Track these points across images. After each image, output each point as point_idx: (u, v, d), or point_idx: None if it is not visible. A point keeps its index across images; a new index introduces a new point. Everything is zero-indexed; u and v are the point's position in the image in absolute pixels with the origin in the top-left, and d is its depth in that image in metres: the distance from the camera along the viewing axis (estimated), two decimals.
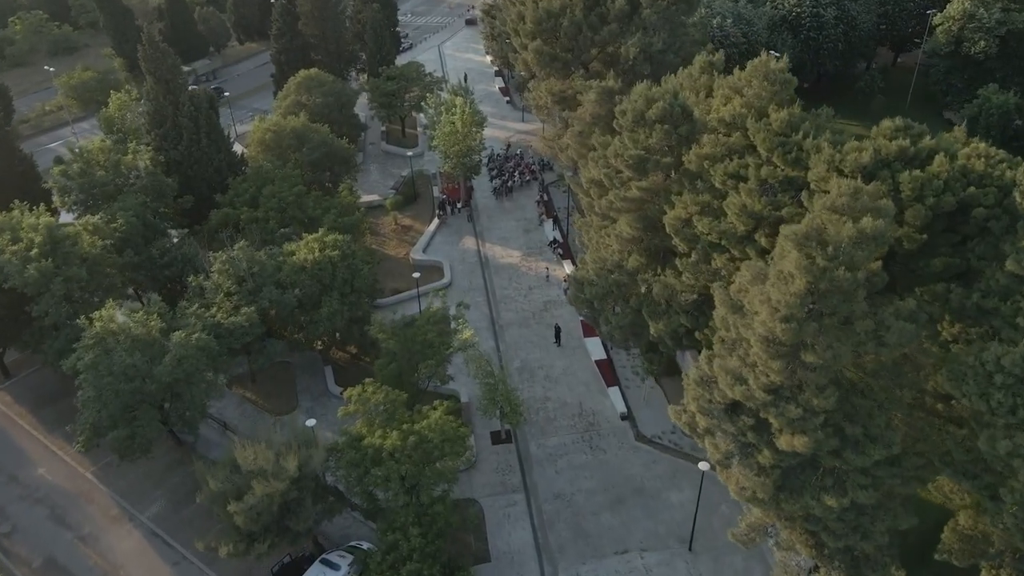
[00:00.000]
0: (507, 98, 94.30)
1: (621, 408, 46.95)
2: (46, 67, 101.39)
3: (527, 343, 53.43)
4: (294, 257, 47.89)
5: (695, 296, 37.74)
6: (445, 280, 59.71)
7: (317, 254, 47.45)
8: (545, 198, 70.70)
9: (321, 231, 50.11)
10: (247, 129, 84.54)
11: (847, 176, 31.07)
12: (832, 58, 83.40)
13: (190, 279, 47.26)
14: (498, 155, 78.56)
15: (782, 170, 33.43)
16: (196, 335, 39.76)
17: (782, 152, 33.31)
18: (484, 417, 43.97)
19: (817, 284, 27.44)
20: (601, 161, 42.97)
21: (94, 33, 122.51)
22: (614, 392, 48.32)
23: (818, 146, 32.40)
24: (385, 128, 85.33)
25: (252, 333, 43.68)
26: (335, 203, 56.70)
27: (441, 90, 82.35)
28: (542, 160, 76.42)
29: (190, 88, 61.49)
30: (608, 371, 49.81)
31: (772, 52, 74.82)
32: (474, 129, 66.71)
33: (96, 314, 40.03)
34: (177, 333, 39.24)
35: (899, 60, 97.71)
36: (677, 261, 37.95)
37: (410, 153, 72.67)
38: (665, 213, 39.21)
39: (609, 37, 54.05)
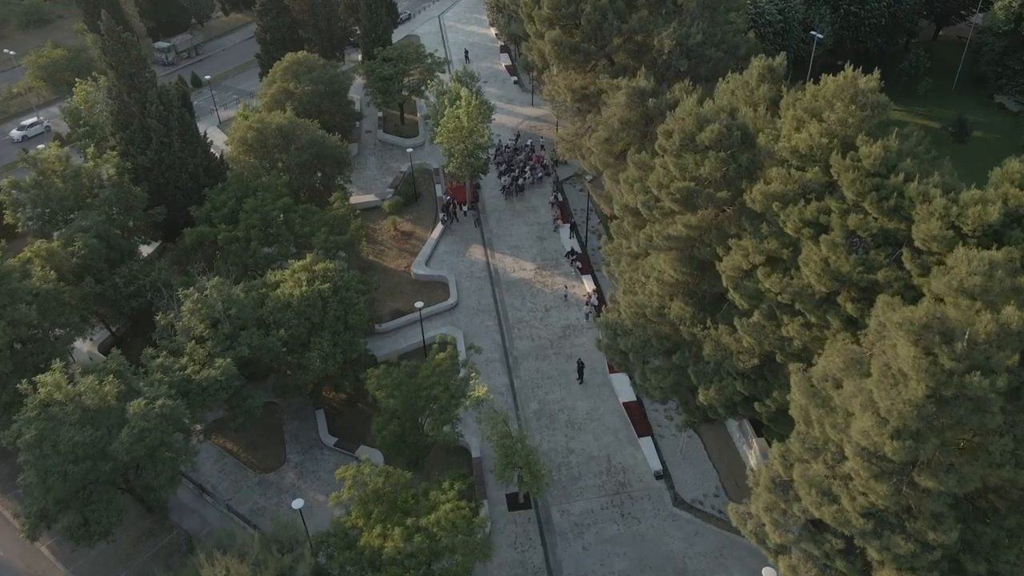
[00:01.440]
0: (514, 78, 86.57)
1: (655, 465, 40.94)
2: (6, 51, 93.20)
3: (545, 380, 47.20)
4: (279, 291, 41.44)
5: (756, 361, 31.42)
6: (451, 300, 53.25)
7: (305, 288, 40.98)
8: (559, 198, 63.82)
9: (309, 257, 43.56)
10: (231, 115, 77.43)
11: (967, 235, 24.50)
12: (874, 34, 75.67)
13: (158, 317, 40.92)
14: (506, 147, 71.37)
15: (876, 220, 26.81)
16: (160, 402, 33.48)
17: (876, 198, 26.65)
18: (500, 483, 38.01)
19: (940, 390, 21.13)
20: (637, 186, 36.23)
21: (68, 2, 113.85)
22: (646, 444, 42.26)
23: (926, 193, 25.73)
24: (382, 114, 77.89)
25: (229, 388, 37.43)
26: (326, 217, 49.94)
27: (443, 72, 75.03)
28: (555, 151, 69.30)
29: (161, 81, 54.27)
30: (639, 416, 43.69)
31: (814, 32, 67.83)
32: (481, 124, 59.65)
33: (40, 378, 33.71)
34: (136, 403, 32.93)
35: (940, 33, 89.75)
36: (735, 319, 31.50)
37: (410, 149, 65.54)
38: (718, 256, 32.66)
39: (639, 26, 46.75)
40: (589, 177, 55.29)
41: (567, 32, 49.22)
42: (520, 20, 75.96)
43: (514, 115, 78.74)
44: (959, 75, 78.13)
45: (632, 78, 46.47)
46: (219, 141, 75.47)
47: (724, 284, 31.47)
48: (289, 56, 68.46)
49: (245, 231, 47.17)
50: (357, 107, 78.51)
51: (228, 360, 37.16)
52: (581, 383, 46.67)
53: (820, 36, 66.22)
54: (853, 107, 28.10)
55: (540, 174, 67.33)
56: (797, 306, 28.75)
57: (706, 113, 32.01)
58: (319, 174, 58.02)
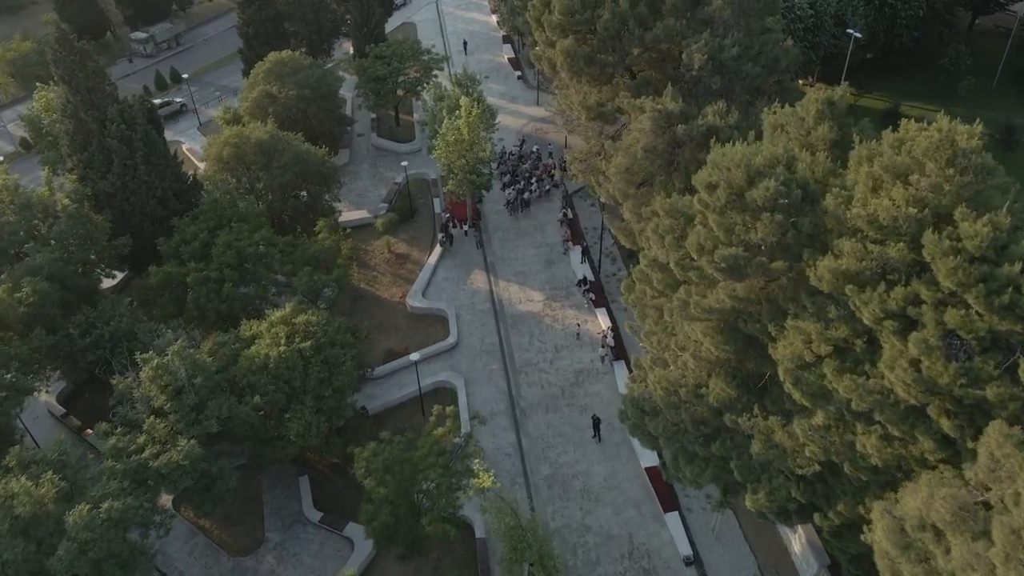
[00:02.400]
0: (518, 73, 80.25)
1: (685, 548, 35.96)
2: None
3: (557, 437, 42.07)
4: (253, 348, 36.13)
5: (818, 467, 26.18)
6: (451, 339, 47.89)
7: (283, 347, 35.66)
8: (569, 215, 58.17)
9: (290, 307, 38.19)
10: (214, 115, 71.59)
11: None
12: (910, 27, 69.40)
13: (115, 381, 35.67)
14: (511, 154, 65.53)
15: (983, 319, 21.39)
16: (107, 505, 28.31)
17: (984, 291, 21.22)
18: None
19: None
20: (669, 239, 30.69)
21: None
22: (673, 520, 37.27)
23: None
24: (376, 116, 71.82)
25: (193, 472, 32.27)
26: (310, 253, 44.39)
27: (441, 69, 68.92)
28: (563, 160, 63.49)
29: (134, 81, 48.38)
30: (663, 486, 38.59)
31: (851, 31, 61.68)
32: (484, 134, 53.88)
33: None
34: (77, 510, 27.71)
35: (976, 22, 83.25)
36: (795, 421, 26.19)
37: (404, 163, 59.67)
38: (770, 335, 27.28)
39: (664, 36, 40.79)
40: (601, 200, 49.63)
41: (581, 41, 43.28)
42: (524, 12, 69.96)
43: (518, 116, 72.71)
44: (1000, 71, 72.00)
45: (656, 96, 40.84)
46: (199, 147, 69.75)
47: (780, 375, 26.11)
48: (272, 56, 62.39)
49: (218, 270, 41.70)
50: (348, 108, 72.65)
51: (192, 442, 31.92)
52: (599, 441, 41.54)
53: (858, 35, 60.11)
54: (951, 170, 22.52)
55: (547, 186, 61.61)
56: (877, 417, 23.44)
57: (758, 164, 26.41)
58: (304, 193, 52.34)
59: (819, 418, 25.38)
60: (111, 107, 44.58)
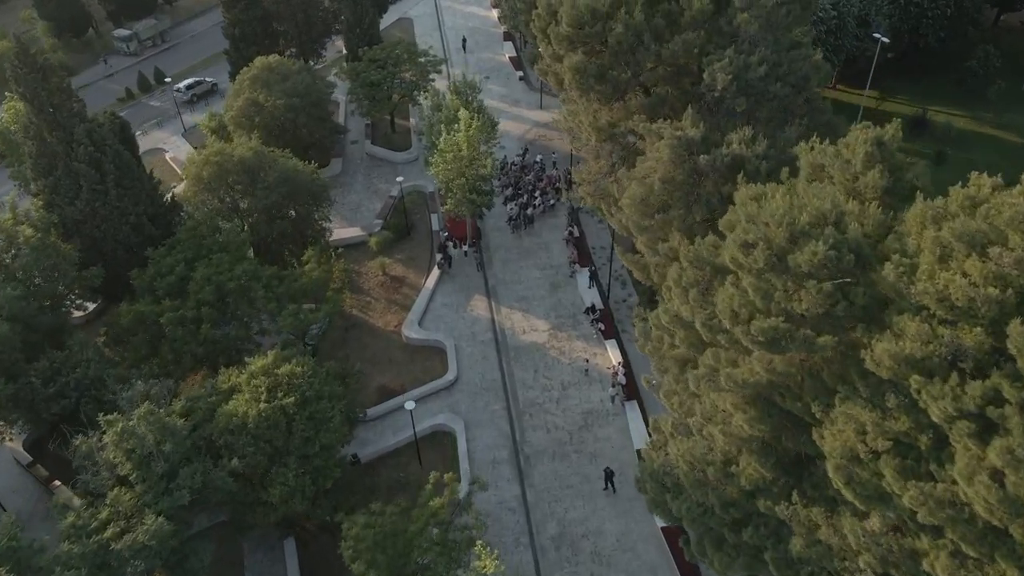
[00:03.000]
0: (519, 73, 76.25)
1: None
2: None
3: (565, 489, 38.75)
4: (232, 404, 32.72)
5: (872, 574, 22.80)
6: (449, 375, 44.46)
7: (263, 404, 32.25)
8: (575, 233, 54.53)
9: (272, 355, 34.76)
10: (198, 119, 67.87)
11: None
12: (936, 27, 65.38)
13: (78, 442, 32.30)
14: (512, 164, 61.80)
15: None
16: None
17: None
18: None
19: None
20: (694, 294, 27.19)
21: None
22: None
23: None
24: (370, 122, 67.93)
25: (162, 552, 28.96)
26: (297, 286, 40.85)
27: (439, 72, 65.04)
28: (568, 172, 59.84)
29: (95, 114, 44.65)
30: (681, 550, 35.28)
31: (878, 35, 57.72)
32: (484, 148, 50.20)
33: None
34: None
35: (1002, 19, 79.10)
36: (846, 522, 22.79)
37: (399, 179, 55.89)
38: (813, 416, 23.84)
39: (683, 51, 36.98)
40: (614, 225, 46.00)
41: (591, 54, 39.45)
42: (525, 14, 65.95)
43: (520, 120, 68.87)
44: None
45: (674, 120, 37.16)
46: (183, 156, 66.00)
47: (829, 469, 22.70)
48: (259, 61, 58.54)
49: (195, 308, 38.18)
50: (341, 114, 68.88)
51: (160, 520, 28.57)
52: (612, 492, 38.24)
53: (885, 40, 56.19)
54: None
55: (552, 200, 57.92)
56: (949, 534, 20.07)
57: (802, 224, 22.83)
58: (292, 213, 48.70)
59: (875, 522, 21.99)
60: (78, 127, 40.91)
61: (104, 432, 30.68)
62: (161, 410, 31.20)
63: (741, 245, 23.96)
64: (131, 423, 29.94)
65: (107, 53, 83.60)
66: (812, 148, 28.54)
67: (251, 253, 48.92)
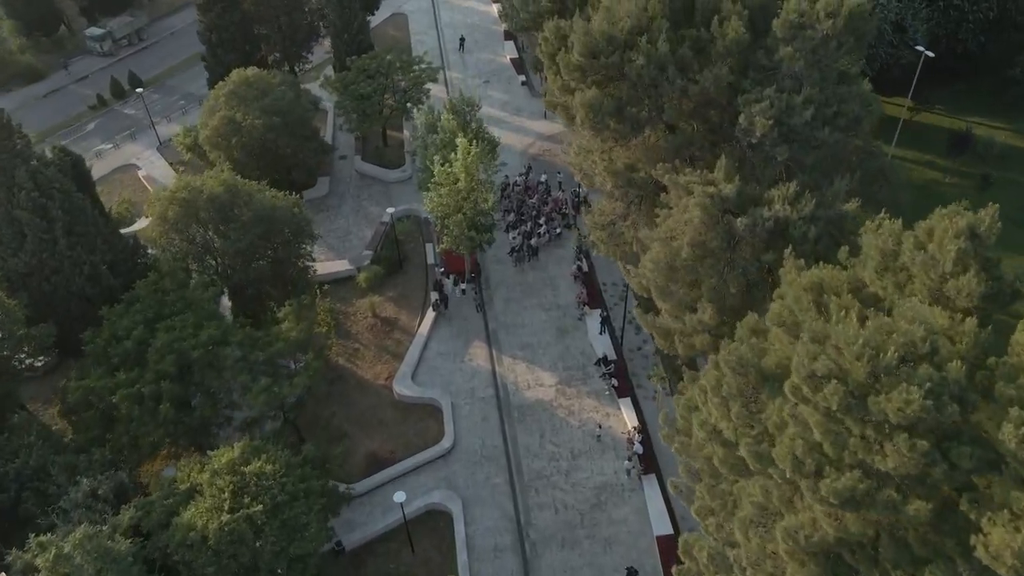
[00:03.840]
0: (522, 77, 70.72)
1: None
2: None
3: None
4: (189, 514, 28.08)
5: None
6: (445, 443, 39.75)
7: (227, 513, 27.62)
8: (584, 267, 49.54)
9: (239, 447, 30.09)
10: (175, 131, 62.65)
11: None
12: (976, 32, 59.90)
13: (11, 557, 27.71)
14: (515, 184, 56.68)
15: None
16: None
17: None
18: None
19: None
20: (736, 408, 22.43)
21: None
22: None
23: None
24: (360, 135, 62.57)
25: None
26: (273, 350, 35.98)
27: (435, 80, 59.65)
28: (577, 192, 54.76)
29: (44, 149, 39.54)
30: None
31: (921, 48, 52.24)
32: (485, 176, 45.14)
33: None
34: None
35: None
36: None
37: (390, 210, 50.68)
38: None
39: (714, 87, 31.78)
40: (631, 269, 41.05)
41: (606, 85, 34.26)
42: (523, 8, 60.54)
43: (523, 132, 63.57)
44: None
45: (702, 162, 32.21)
46: (158, 173, 60.94)
47: None
48: (236, 75, 53.17)
49: (154, 382, 33.37)
50: (328, 127, 63.59)
51: None
52: None
53: (930, 53, 50.78)
54: None
55: (558, 228, 52.86)
56: None
57: (888, 359, 17.94)
58: (269, 252, 43.70)
59: None
60: (20, 169, 35.81)
61: (37, 557, 26.07)
62: (105, 528, 26.54)
63: (807, 377, 19.11)
64: (66, 549, 25.28)
65: (70, 57, 77.31)
66: (879, 227, 23.64)
67: (226, 299, 44.26)
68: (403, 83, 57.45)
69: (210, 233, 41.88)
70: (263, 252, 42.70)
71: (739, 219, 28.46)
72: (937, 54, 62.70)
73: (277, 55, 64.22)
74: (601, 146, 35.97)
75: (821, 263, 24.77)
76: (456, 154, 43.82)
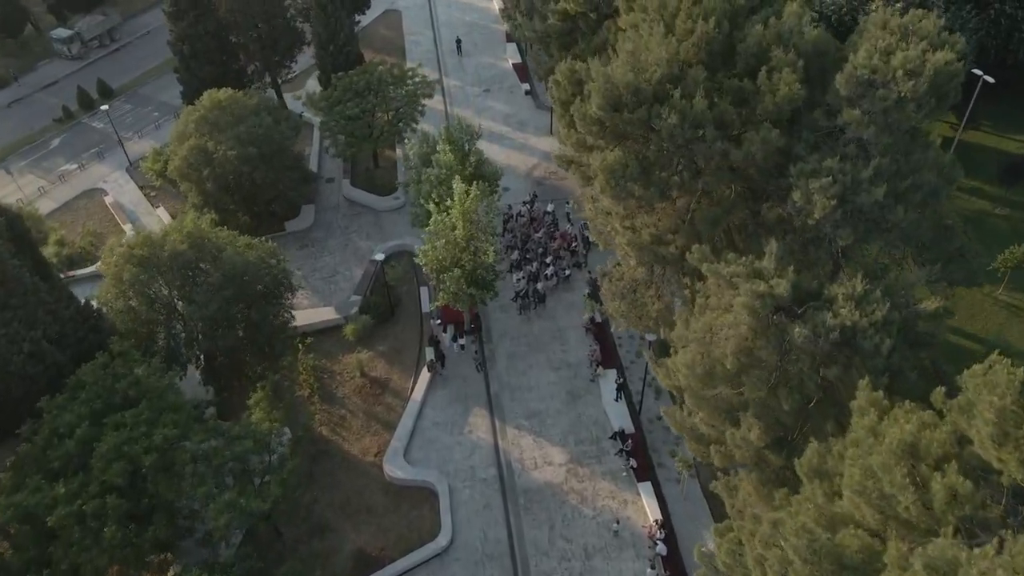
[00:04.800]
0: (525, 86, 64.96)
1: None
2: None
3: None
4: None
5: None
6: (441, 540, 34.92)
7: None
8: (596, 318, 44.35)
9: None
10: (147, 149, 57.40)
11: None
12: None
13: None
14: (518, 215, 51.33)
15: None
16: None
17: None
18: None
19: None
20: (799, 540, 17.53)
21: None
22: None
23: None
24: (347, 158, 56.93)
25: None
26: (240, 451, 30.94)
27: (430, 96, 54.04)
28: (586, 226, 49.27)
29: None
30: None
31: (977, 71, 46.58)
32: (486, 218, 39.88)
33: None
34: None
35: None
36: None
37: (380, 256, 45.22)
38: None
39: (761, 152, 26.40)
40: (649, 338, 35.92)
41: (630, 142, 28.88)
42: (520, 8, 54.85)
43: (527, 151, 58.06)
44: None
45: (746, 246, 27.06)
46: (127, 199, 55.66)
47: None
48: (207, 98, 47.65)
49: (99, 495, 28.45)
50: (314, 146, 58.09)
51: None
52: None
53: (989, 79, 45.19)
54: None
55: (567, 268, 47.62)
56: None
57: None
58: (242, 316, 38.51)
59: None
60: None
61: None
62: None
63: None
64: None
65: (14, 72, 70.93)
66: (990, 372, 18.59)
67: (197, 372, 39.24)
68: (396, 101, 51.87)
69: (174, 296, 36.75)
70: (235, 316, 37.52)
71: (796, 328, 23.31)
72: (985, 66, 57.09)
73: (257, 65, 58.42)
74: (622, 212, 30.62)
75: (909, 407, 19.90)
76: (453, 199, 38.56)
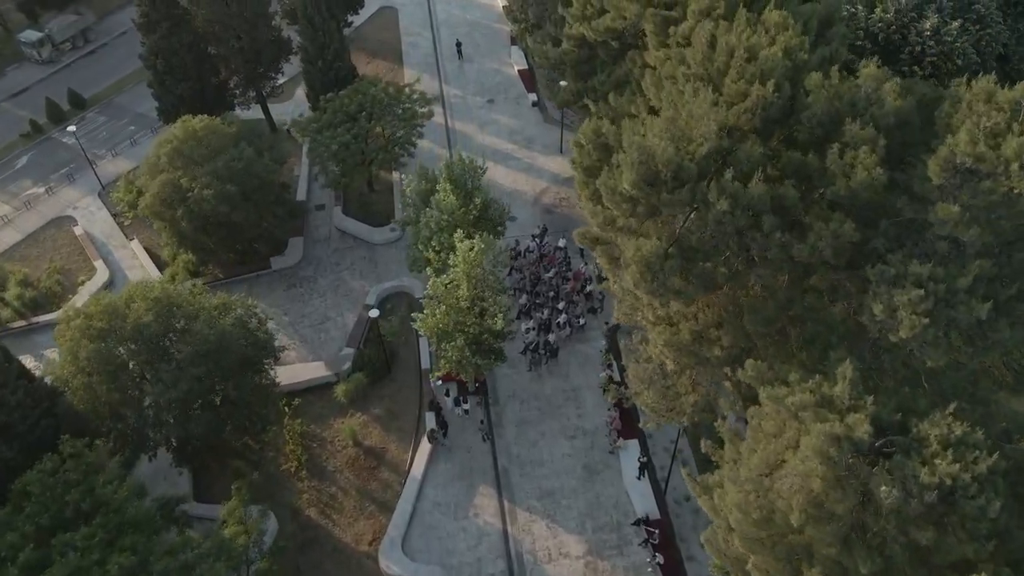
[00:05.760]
0: (532, 96, 59.85)
1: None
2: None
3: None
4: None
5: None
6: None
7: None
8: (614, 377, 39.94)
9: None
10: (120, 169, 52.86)
11: None
12: None
13: None
14: (527, 251, 46.66)
15: None
16: None
17: None
18: None
19: None
20: None
21: None
22: None
23: None
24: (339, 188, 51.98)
25: None
26: (210, 571, 26.68)
27: (429, 116, 49.10)
28: (601, 271, 44.59)
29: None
30: None
31: None
32: (494, 275, 35.33)
33: None
34: None
35: None
36: None
37: (375, 312, 40.37)
38: None
39: (831, 247, 21.71)
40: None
41: (668, 223, 24.22)
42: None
43: (535, 172, 53.21)
44: None
45: (821, 376, 22.59)
46: (99, 229, 51.06)
47: None
48: (180, 128, 42.85)
49: None
50: (303, 171, 53.24)
51: None
52: None
53: None
54: None
55: (581, 315, 43.06)
56: None
57: None
58: (216, 396, 33.96)
59: None
60: None
61: None
62: None
63: None
64: None
65: (7, 65, 66.13)
66: None
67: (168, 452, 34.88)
68: (392, 124, 46.93)
69: (138, 372, 32.31)
70: (209, 394, 33.08)
71: (882, 484, 18.91)
72: None
73: (240, 79, 53.24)
74: (658, 305, 26.03)
75: None
76: (455, 255, 33.99)
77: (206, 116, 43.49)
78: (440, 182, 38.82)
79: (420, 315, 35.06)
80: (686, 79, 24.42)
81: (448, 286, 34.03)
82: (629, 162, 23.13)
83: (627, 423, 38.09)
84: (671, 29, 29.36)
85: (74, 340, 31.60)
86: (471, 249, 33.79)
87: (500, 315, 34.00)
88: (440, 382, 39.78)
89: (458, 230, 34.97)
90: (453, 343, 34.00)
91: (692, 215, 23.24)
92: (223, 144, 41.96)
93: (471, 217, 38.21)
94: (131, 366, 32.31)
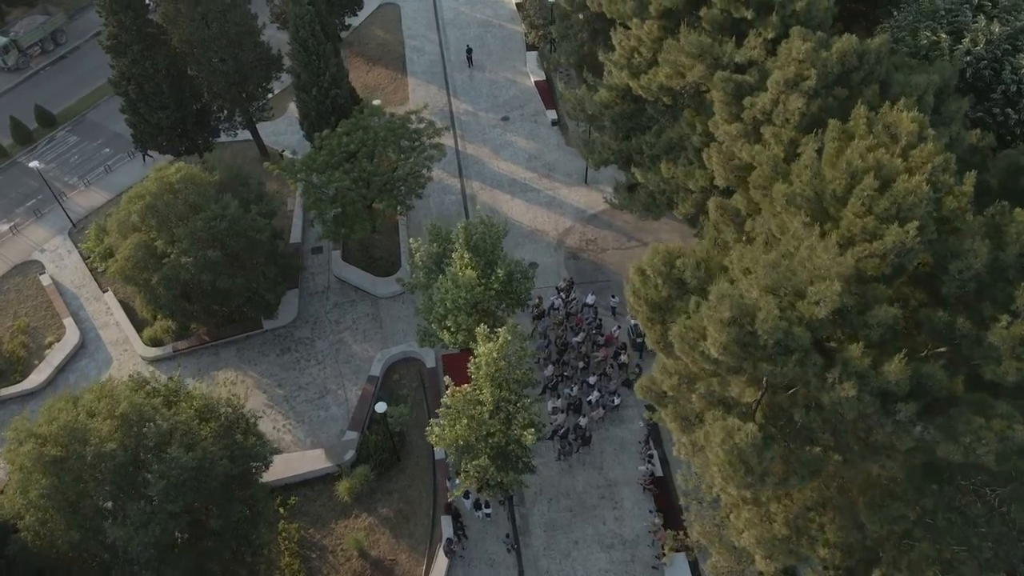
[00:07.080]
0: (551, 113, 53.68)
1: None
2: None
3: None
4: None
5: None
6: None
7: None
8: (656, 470, 34.88)
9: None
10: (94, 202, 47.47)
11: None
12: None
13: None
14: (553, 309, 41.18)
15: None
16: None
17: None
18: None
19: None
20: None
21: None
22: None
23: None
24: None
25: None
26: None
27: (441, 154, 43.11)
28: (637, 331, 39.00)
29: None
30: None
31: None
32: (522, 372, 30.03)
33: None
34: None
35: None
36: None
37: (381, 406, 34.84)
38: None
39: (995, 451, 16.50)
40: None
41: (759, 386, 18.96)
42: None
43: (556, 207, 47.40)
44: None
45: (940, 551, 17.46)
46: (68, 278, 45.57)
47: None
48: (154, 179, 36.96)
49: None
50: (296, 207, 47.55)
51: None
52: None
53: None
54: None
55: (617, 394, 37.73)
56: None
57: None
58: (196, 528, 28.86)
59: None
60: None
61: None
62: None
63: None
64: None
65: None
66: None
67: None
68: (399, 163, 41.13)
69: (103, 507, 27.21)
70: (186, 531, 27.98)
71: None
72: None
73: (224, 102, 47.10)
74: (749, 495, 20.73)
75: None
76: (478, 360, 28.67)
77: (183, 164, 37.57)
78: (457, 248, 33.32)
79: (436, 424, 29.78)
80: (787, 201, 18.81)
81: (468, 397, 28.74)
82: (717, 320, 17.71)
83: (672, 522, 33.07)
84: (746, 100, 23.68)
85: (24, 471, 26.40)
86: (496, 348, 28.46)
87: (531, 429, 28.71)
88: (457, 480, 34.66)
89: (481, 325, 29.53)
90: (477, 462, 28.81)
91: (800, 389, 17.89)
92: (203, 198, 36.17)
93: (492, 291, 32.84)
94: (94, 497, 27.13)
